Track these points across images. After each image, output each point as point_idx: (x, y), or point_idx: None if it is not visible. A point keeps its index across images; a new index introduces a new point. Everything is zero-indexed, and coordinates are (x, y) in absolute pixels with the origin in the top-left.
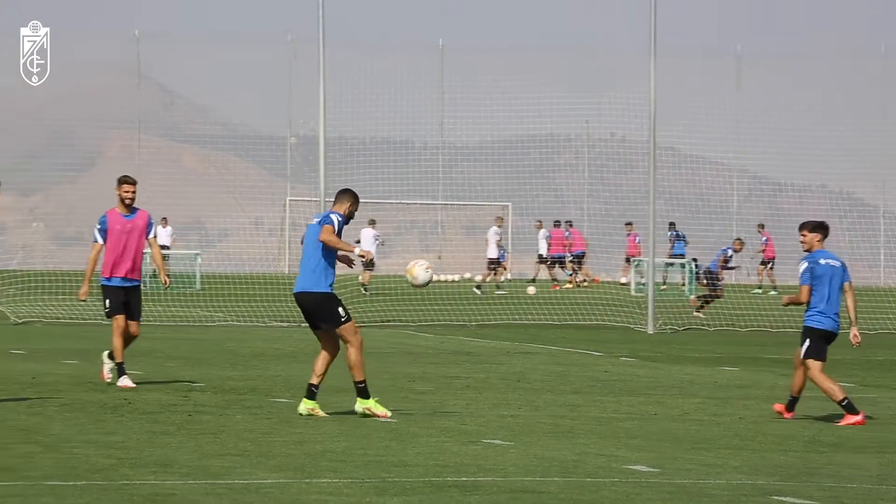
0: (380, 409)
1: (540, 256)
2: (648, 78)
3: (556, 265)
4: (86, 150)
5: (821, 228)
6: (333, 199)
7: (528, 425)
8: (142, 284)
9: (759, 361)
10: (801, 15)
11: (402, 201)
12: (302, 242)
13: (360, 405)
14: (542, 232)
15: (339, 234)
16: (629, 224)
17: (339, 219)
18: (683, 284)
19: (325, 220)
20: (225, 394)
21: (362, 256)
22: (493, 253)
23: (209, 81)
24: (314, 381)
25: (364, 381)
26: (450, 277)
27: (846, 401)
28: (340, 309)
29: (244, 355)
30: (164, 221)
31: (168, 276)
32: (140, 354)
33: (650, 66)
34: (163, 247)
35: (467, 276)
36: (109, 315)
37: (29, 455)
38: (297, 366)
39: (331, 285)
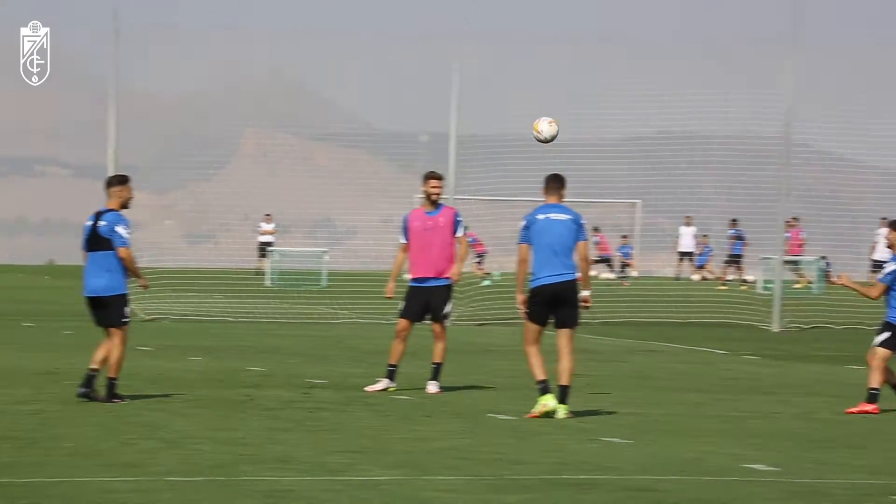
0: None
1: (681, 254)
2: (785, 73)
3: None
4: (221, 149)
5: None
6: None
7: (648, 424)
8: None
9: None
10: None
11: (533, 199)
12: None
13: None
14: (690, 230)
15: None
16: (793, 222)
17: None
18: (811, 282)
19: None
20: (346, 391)
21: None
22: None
23: (342, 79)
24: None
25: None
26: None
27: (876, 391)
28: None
29: (367, 352)
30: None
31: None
32: (263, 351)
33: (789, 61)
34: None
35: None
36: (400, 316)
37: (152, 451)
38: (418, 363)
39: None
